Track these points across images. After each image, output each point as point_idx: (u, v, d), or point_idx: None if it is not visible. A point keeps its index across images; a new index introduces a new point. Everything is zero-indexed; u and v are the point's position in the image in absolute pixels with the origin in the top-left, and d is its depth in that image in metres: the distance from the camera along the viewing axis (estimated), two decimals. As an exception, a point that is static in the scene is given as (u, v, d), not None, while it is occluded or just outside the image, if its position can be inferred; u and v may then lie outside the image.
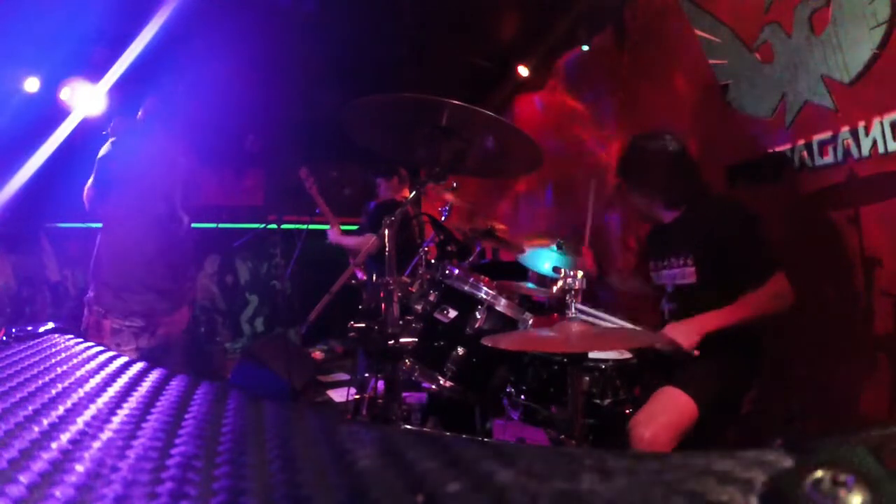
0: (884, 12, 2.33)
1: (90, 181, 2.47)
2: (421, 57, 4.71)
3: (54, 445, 0.40)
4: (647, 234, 2.38)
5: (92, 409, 0.49)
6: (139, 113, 2.62)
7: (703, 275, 2.03)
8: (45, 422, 0.45)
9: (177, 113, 2.65)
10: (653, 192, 2.16)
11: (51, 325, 0.86)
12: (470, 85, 4.80)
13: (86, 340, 0.80)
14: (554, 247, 2.65)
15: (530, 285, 2.88)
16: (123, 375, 0.62)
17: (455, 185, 2.45)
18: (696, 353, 1.84)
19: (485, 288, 2.01)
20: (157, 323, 2.50)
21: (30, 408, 0.48)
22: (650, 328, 1.94)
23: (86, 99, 3.81)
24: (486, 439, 2.18)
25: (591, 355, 1.91)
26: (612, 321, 1.86)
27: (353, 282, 3.75)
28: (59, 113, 3.85)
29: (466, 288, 2.02)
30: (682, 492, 0.28)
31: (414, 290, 2.05)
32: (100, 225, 2.54)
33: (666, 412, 1.80)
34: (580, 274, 1.60)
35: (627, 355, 1.99)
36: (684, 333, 1.85)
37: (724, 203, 2.17)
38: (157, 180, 2.52)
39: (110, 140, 2.50)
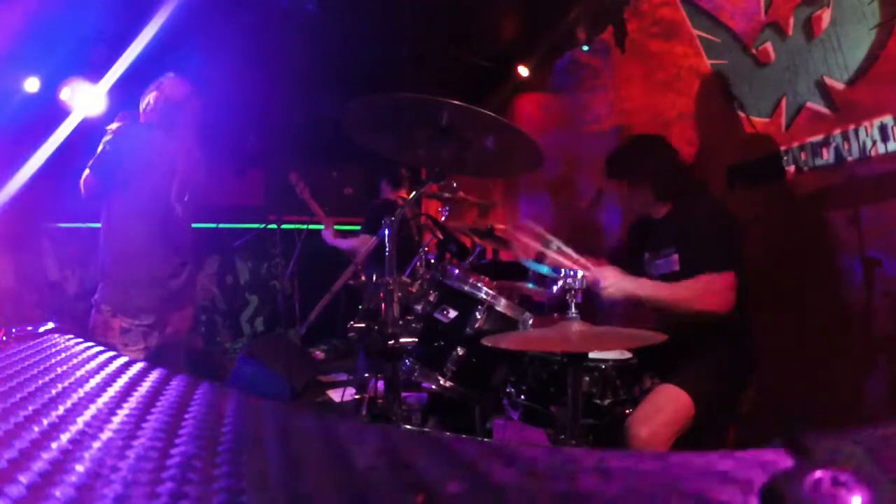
0: (884, 12, 2.33)
1: (88, 169, 2.43)
2: (421, 57, 4.71)
3: (54, 445, 0.40)
4: (631, 229, 2.43)
5: (92, 409, 0.49)
6: (144, 104, 2.57)
7: (685, 263, 2.06)
8: (45, 422, 0.45)
9: (187, 113, 2.60)
10: (645, 188, 2.21)
11: (51, 325, 0.86)
12: (470, 85, 4.80)
13: (92, 340, 0.80)
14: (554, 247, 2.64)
15: (530, 285, 2.87)
16: (123, 376, 0.62)
17: (455, 184, 2.45)
18: (608, 290, 1.90)
19: (485, 288, 2.01)
20: (167, 321, 2.47)
21: (30, 408, 0.48)
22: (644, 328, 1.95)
23: (86, 99, 3.81)
24: (486, 439, 2.18)
25: (591, 355, 1.91)
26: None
27: (352, 282, 3.74)
28: (59, 113, 3.85)
29: (466, 288, 2.02)
30: (683, 492, 0.28)
31: (414, 290, 2.05)
32: (100, 224, 2.53)
33: (663, 410, 1.80)
34: (580, 274, 1.60)
35: (627, 355, 1.99)
36: (611, 277, 1.91)
37: (706, 201, 2.21)
38: (155, 177, 2.48)
39: (112, 130, 2.46)
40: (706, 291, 1.89)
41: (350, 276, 3.70)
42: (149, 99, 2.57)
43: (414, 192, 1.98)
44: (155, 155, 2.47)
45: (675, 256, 2.10)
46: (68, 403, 0.50)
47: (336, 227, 4.11)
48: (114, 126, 2.45)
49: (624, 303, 2.00)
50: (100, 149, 2.42)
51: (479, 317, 1.98)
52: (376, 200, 3.98)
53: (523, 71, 4.75)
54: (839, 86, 2.55)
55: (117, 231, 2.43)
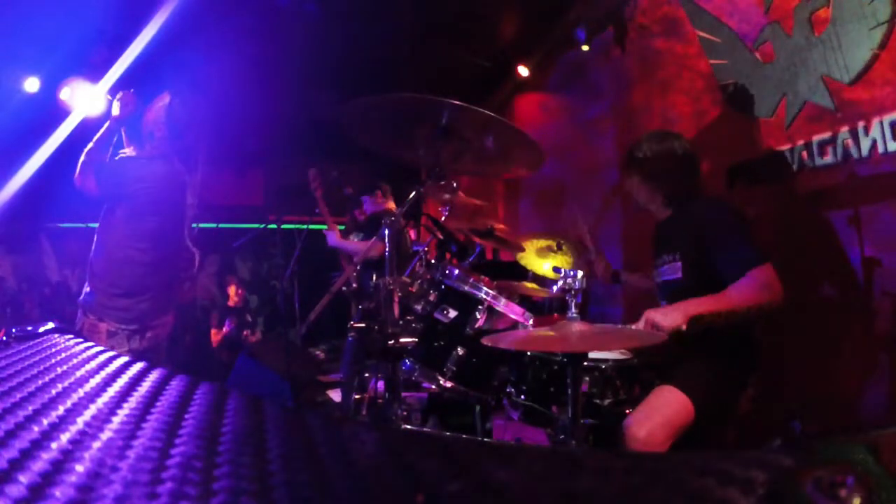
0: (884, 12, 2.33)
1: (81, 166, 2.46)
2: (421, 57, 4.71)
3: (54, 445, 0.40)
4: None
5: (92, 409, 0.49)
6: (148, 129, 2.57)
7: (689, 270, 2.04)
8: (45, 422, 0.45)
9: (192, 136, 2.63)
10: (657, 188, 2.16)
11: (51, 325, 0.86)
12: (470, 85, 4.80)
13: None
14: (554, 247, 2.65)
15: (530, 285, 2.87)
16: (123, 375, 0.62)
17: (455, 184, 2.45)
18: (684, 326, 1.77)
19: (485, 288, 2.01)
20: (147, 326, 2.51)
21: (30, 408, 0.48)
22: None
23: (86, 99, 3.81)
24: (486, 439, 2.18)
25: (591, 355, 1.91)
26: None
27: (345, 289, 3.76)
28: (59, 113, 3.85)
29: (466, 288, 2.02)
30: (683, 492, 0.28)
31: (414, 290, 2.05)
32: (98, 233, 2.54)
33: (661, 411, 1.80)
34: (580, 274, 1.60)
35: (627, 355, 1.99)
36: (663, 313, 1.80)
37: (710, 202, 2.16)
38: (166, 207, 2.53)
39: (126, 151, 2.50)
40: (759, 288, 1.83)
41: (346, 280, 3.72)
42: (152, 126, 2.57)
43: (413, 193, 1.98)
44: (167, 188, 2.54)
45: (679, 264, 2.06)
46: (68, 403, 0.50)
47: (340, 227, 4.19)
48: (127, 152, 2.50)
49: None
50: (93, 147, 2.46)
51: (479, 317, 1.98)
52: (372, 211, 4.07)
53: (523, 71, 4.75)
54: (839, 85, 2.55)
55: (118, 250, 2.46)
